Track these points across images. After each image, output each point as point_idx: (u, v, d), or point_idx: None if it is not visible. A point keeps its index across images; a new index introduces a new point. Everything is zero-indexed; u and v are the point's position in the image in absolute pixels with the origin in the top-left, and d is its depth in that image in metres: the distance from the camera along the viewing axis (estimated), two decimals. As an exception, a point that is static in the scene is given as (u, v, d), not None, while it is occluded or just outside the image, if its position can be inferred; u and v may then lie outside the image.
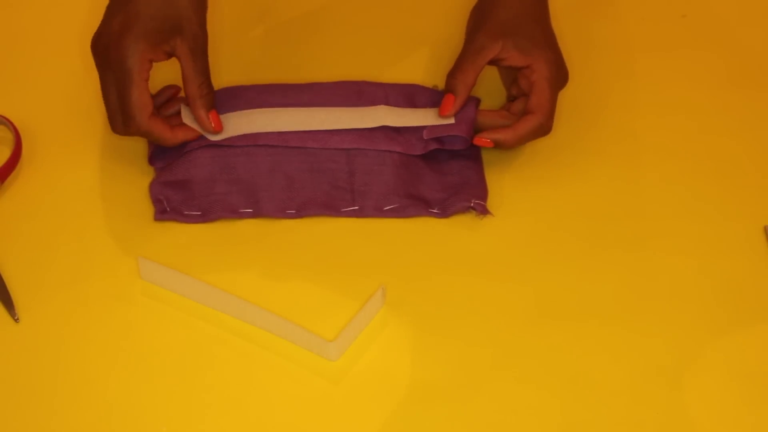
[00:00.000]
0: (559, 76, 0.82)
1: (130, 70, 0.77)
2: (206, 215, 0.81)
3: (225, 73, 0.83)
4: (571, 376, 0.75)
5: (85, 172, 0.83)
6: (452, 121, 0.82)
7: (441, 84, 0.85)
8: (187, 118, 0.81)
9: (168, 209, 0.81)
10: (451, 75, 0.83)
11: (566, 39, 0.86)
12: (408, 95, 0.86)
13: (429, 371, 0.75)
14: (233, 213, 0.81)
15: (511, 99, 0.85)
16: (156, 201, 0.81)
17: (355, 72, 0.88)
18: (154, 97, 0.80)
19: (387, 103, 0.84)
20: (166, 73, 0.84)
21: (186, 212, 0.81)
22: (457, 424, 0.72)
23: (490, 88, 0.89)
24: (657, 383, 0.74)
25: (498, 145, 0.82)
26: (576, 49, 0.88)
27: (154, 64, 0.79)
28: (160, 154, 0.83)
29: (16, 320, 0.75)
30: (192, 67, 0.79)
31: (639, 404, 0.73)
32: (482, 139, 0.82)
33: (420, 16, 0.94)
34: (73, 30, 0.91)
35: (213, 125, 0.81)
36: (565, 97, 0.85)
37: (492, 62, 0.83)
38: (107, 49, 0.78)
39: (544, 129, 0.82)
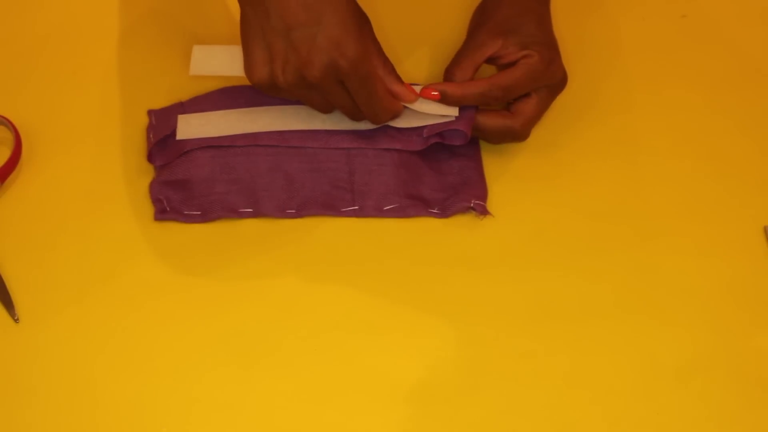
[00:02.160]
0: (549, 71, 0.82)
1: (370, 71, 0.77)
2: (206, 215, 0.81)
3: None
4: (571, 376, 0.75)
5: (85, 172, 0.83)
6: (453, 118, 0.82)
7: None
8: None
9: (168, 209, 0.81)
10: (449, 69, 0.83)
11: (566, 39, 0.86)
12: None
13: (429, 371, 0.75)
14: (233, 213, 0.81)
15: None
16: (156, 201, 0.81)
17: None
18: None
19: None
20: (170, 78, 0.84)
21: (186, 212, 0.81)
22: (457, 424, 0.72)
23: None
24: (657, 383, 0.74)
25: (444, 98, 0.82)
26: (575, 49, 0.88)
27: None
28: (159, 152, 0.83)
29: (16, 320, 0.75)
30: (376, 50, 0.80)
31: (639, 404, 0.74)
32: (428, 91, 0.82)
33: (420, 16, 0.94)
34: (73, 30, 0.91)
35: (414, 94, 0.81)
36: (565, 97, 0.85)
37: (490, 60, 0.83)
38: (332, 66, 0.75)
39: (493, 95, 0.81)
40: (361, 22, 0.78)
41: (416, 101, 0.82)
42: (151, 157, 0.83)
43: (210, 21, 0.93)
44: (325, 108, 0.81)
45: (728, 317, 0.78)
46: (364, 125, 0.82)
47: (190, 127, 0.82)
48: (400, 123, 0.83)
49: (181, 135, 0.82)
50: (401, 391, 0.74)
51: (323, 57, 0.75)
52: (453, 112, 0.82)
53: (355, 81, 0.77)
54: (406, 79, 0.86)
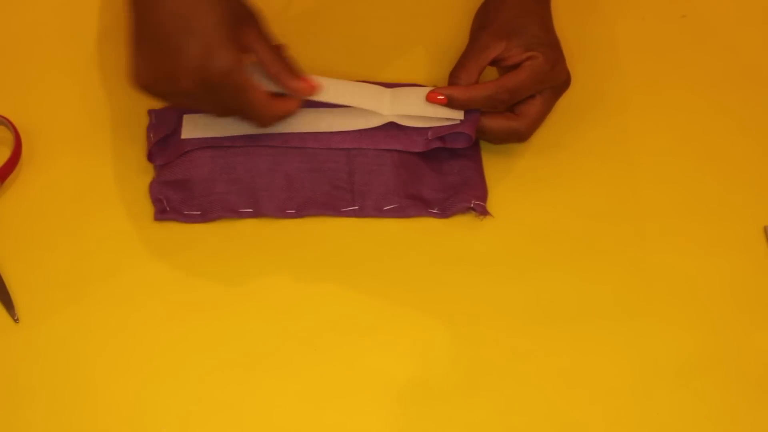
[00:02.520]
0: (554, 72, 0.82)
1: (240, 81, 0.75)
2: (206, 215, 0.81)
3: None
4: (571, 376, 0.75)
5: (85, 172, 0.83)
6: (458, 121, 0.82)
7: (443, 85, 0.85)
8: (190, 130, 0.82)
9: (168, 209, 0.81)
10: (454, 73, 0.83)
11: (566, 39, 0.85)
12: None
13: (429, 371, 0.75)
14: (233, 213, 0.81)
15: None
16: (156, 201, 0.81)
17: (356, 72, 0.88)
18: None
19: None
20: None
21: (186, 212, 0.81)
22: (457, 424, 0.72)
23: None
24: (657, 383, 0.75)
25: (451, 102, 0.81)
26: (576, 49, 0.88)
27: None
28: (159, 151, 0.83)
29: (16, 320, 0.75)
30: (266, 47, 0.78)
31: (639, 404, 0.74)
32: (435, 95, 0.81)
33: (421, 17, 0.94)
34: (73, 30, 0.91)
35: (313, 85, 0.80)
36: (566, 97, 0.85)
37: (494, 62, 0.83)
38: (200, 79, 0.74)
39: (499, 98, 0.81)
40: (240, 23, 0.76)
41: (323, 92, 0.81)
42: (151, 157, 0.83)
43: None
44: (218, 113, 0.80)
45: (728, 317, 0.78)
46: (366, 124, 0.82)
47: (196, 126, 0.82)
48: (405, 121, 0.82)
49: (186, 134, 0.82)
50: (401, 391, 0.74)
51: (193, 68, 0.74)
52: (458, 115, 0.82)
53: (228, 91, 0.75)
54: (406, 79, 0.87)
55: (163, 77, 0.75)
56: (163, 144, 0.83)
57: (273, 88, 0.79)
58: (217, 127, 0.82)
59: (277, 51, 0.78)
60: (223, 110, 0.79)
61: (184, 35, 0.73)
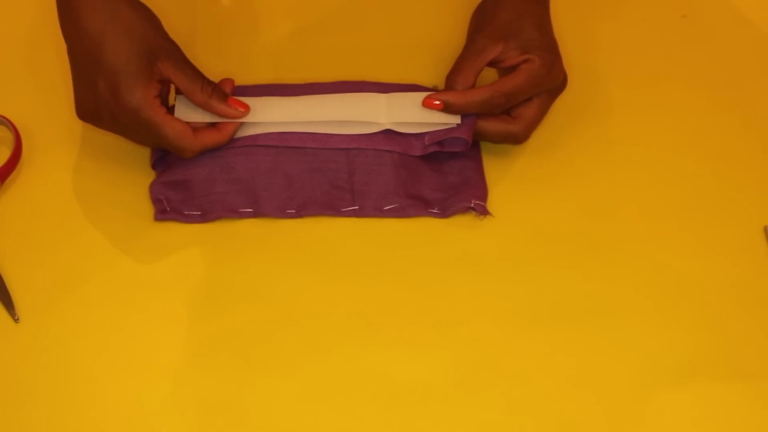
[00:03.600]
0: (551, 75, 0.82)
1: (150, 118, 0.77)
2: (206, 215, 0.81)
3: (226, 76, 0.83)
4: (570, 376, 0.75)
5: (85, 173, 0.83)
6: (455, 125, 0.82)
7: (441, 85, 0.85)
8: (182, 113, 0.80)
9: (168, 209, 0.81)
10: (450, 76, 0.83)
11: (566, 39, 0.86)
12: (408, 95, 0.86)
13: (429, 371, 0.75)
14: (233, 213, 0.81)
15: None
16: (156, 201, 0.81)
17: (355, 72, 0.88)
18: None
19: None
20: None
21: (186, 212, 0.81)
22: (455, 424, 0.72)
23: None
24: (657, 383, 0.74)
25: (447, 108, 0.81)
26: (576, 49, 0.88)
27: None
28: (162, 159, 0.83)
29: (16, 320, 0.75)
30: (185, 79, 0.79)
31: (639, 404, 0.74)
32: (431, 101, 0.81)
33: (421, 18, 0.94)
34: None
35: (241, 109, 0.81)
36: (565, 97, 0.85)
37: (491, 64, 0.83)
38: (114, 116, 0.77)
39: (495, 102, 0.81)
40: (156, 58, 0.77)
41: (319, 111, 0.82)
42: (155, 165, 0.83)
43: (209, 21, 0.93)
44: (147, 145, 0.82)
45: (728, 317, 0.78)
46: (365, 129, 0.82)
47: (188, 108, 0.81)
48: (402, 128, 0.83)
49: (179, 115, 0.81)
50: (401, 391, 0.74)
51: (105, 107, 0.77)
52: (455, 120, 0.82)
53: (141, 128, 0.77)
54: (404, 79, 0.87)
55: (89, 113, 0.79)
56: (165, 152, 0.83)
57: (208, 117, 0.80)
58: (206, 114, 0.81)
59: (200, 80, 0.79)
60: (148, 143, 0.81)
61: (94, 74, 0.76)
